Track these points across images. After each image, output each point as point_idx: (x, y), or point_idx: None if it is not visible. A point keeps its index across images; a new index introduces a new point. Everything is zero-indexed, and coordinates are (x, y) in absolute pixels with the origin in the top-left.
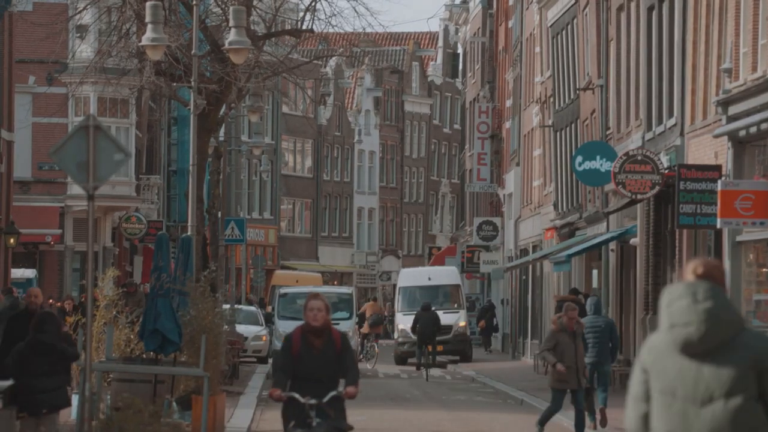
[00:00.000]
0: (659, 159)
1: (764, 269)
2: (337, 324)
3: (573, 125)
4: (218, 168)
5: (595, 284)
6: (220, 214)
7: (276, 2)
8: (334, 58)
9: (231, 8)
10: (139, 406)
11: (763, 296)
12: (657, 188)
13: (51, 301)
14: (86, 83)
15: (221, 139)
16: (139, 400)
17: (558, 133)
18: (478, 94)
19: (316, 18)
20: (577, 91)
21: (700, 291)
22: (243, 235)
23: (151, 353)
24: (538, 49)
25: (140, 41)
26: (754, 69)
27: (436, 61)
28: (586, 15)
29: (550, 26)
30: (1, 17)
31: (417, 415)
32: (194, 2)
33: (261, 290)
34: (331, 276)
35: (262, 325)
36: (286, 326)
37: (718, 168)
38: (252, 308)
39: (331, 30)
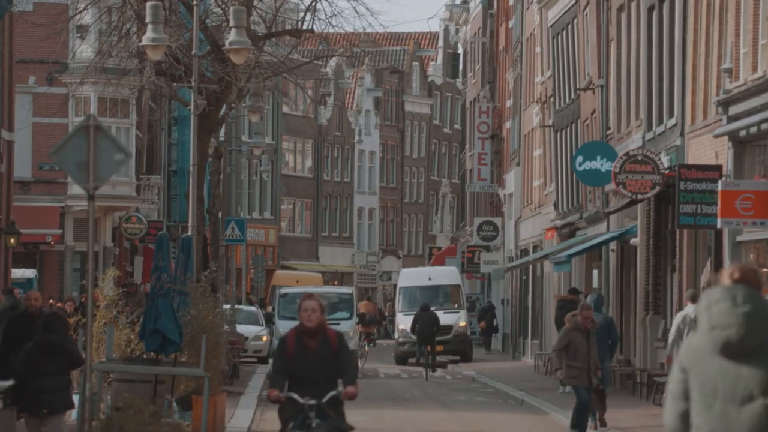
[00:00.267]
0: (659, 159)
1: (764, 269)
2: (338, 324)
3: (573, 125)
4: (218, 168)
5: (595, 284)
6: (220, 214)
7: (276, 2)
8: (334, 58)
9: (231, 8)
10: (140, 407)
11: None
12: (657, 188)
13: (51, 301)
14: (86, 83)
15: (221, 139)
16: (139, 401)
17: (558, 133)
18: (479, 94)
19: (316, 18)
20: (578, 91)
21: (739, 295)
22: (243, 235)
23: (152, 353)
24: (538, 49)
25: (140, 41)
26: (755, 69)
27: (436, 61)
28: (586, 15)
29: (551, 26)
30: (2, 18)
31: (417, 415)
32: (194, 2)
33: (261, 290)
34: (331, 276)
35: (262, 325)
36: (286, 326)
37: (718, 168)
38: (252, 308)
39: (331, 30)
